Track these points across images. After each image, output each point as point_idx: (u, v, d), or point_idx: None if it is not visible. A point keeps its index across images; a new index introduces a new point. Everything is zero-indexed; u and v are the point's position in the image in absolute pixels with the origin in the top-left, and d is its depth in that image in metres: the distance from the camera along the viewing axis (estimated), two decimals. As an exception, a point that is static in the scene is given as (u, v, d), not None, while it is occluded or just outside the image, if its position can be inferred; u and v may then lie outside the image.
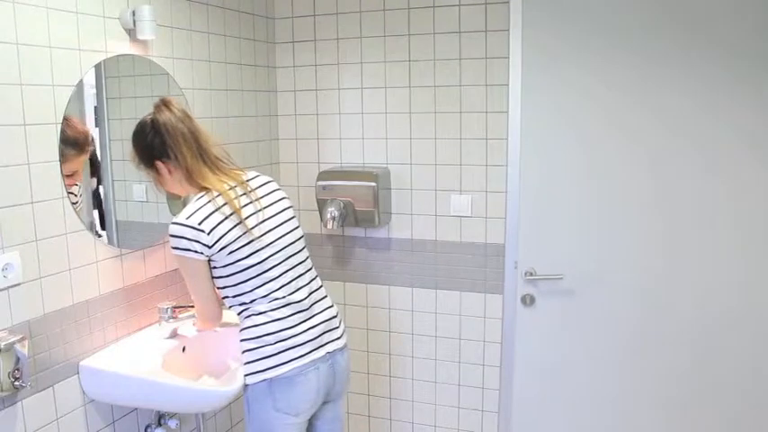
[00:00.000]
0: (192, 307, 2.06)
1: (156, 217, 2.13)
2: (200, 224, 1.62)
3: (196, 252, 1.63)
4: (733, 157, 2.21)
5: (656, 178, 2.29)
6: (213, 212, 1.64)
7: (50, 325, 1.68)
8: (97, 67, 1.80)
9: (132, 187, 2.02)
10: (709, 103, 2.20)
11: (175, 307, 2.04)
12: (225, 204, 1.65)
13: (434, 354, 2.69)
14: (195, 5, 2.22)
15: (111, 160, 1.89)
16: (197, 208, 1.64)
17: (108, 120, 1.88)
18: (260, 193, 1.75)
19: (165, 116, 1.67)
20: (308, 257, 1.82)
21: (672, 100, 2.24)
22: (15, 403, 1.59)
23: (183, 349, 1.97)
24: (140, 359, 1.82)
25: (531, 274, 2.44)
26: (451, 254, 2.58)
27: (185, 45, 2.18)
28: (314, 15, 2.63)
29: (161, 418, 2.07)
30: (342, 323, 1.86)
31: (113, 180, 1.91)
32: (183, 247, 1.63)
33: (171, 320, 2.01)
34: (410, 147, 2.58)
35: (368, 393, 2.83)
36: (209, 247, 1.62)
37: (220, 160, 1.75)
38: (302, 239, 1.81)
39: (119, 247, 1.91)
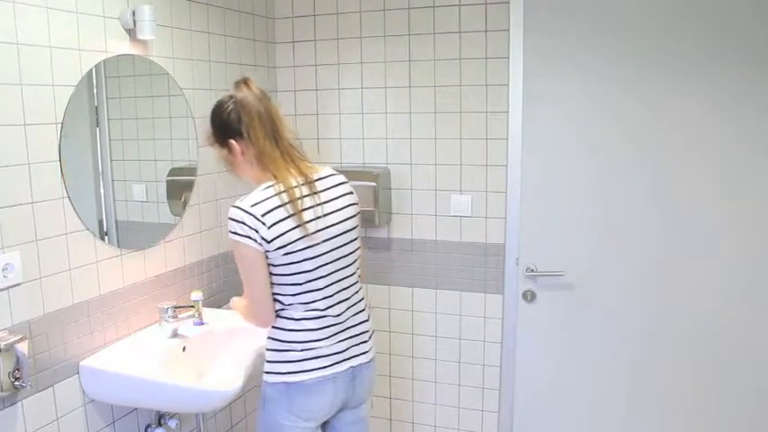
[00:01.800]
0: (192, 307, 2.06)
1: (156, 217, 2.13)
2: (263, 216, 1.55)
3: (254, 241, 1.55)
4: (734, 157, 2.21)
5: (654, 176, 2.30)
6: (278, 207, 1.56)
7: (50, 325, 1.68)
8: (97, 66, 1.80)
9: (132, 187, 2.02)
10: (710, 104, 2.20)
11: (176, 307, 2.04)
12: (290, 202, 1.57)
13: (434, 354, 2.69)
14: (195, 5, 2.22)
15: (111, 160, 1.89)
16: (263, 198, 1.57)
17: (108, 120, 1.88)
18: (325, 196, 1.65)
19: (244, 93, 1.61)
20: (355, 272, 1.74)
21: (671, 101, 2.24)
22: (15, 403, 1.59)
23: (184, 349, 1.97)
24: (140, 359, 1.82)
25: (533, 271, 2.44)
26: (451, 254, 2.58)
27: (185, 45, 2.18)
28: (314, 15, 2.63)
29: (161, 418, 2.07)
30: (372, 338, 1.79)
31: (113, 180, 1.91)
32: (243, 233, 1.55)
33: (171, 320, 2.01)
34: (410, 147, 2.58)
35: (368, 393, 2.83)
36: (268, 242, 1.55)
37: (293, 148, 1.67)
38: (357, 252, 1.73)
39: (119, 247, 1.91)
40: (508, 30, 2.35)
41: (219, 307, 2.37)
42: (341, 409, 1.76)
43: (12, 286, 1.56)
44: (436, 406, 2.73)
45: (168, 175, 2.16)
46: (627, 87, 2.27)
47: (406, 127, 2.57)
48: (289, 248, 1.57)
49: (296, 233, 1.57)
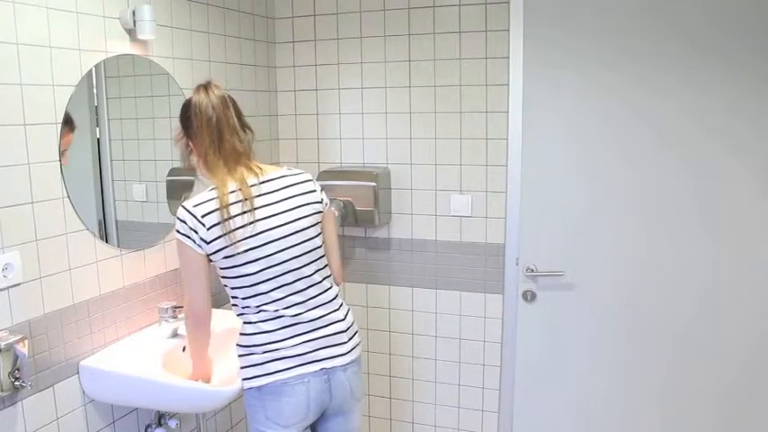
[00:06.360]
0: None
1: (156, 217, 2.13)
2: (203, 217, 1.58)
3: (194, 242, 1.58)
4: (722, 161, 2.22)
5: (654, 177, 2.30)
6: (217, 210, 1.58)
7: (50, 325, 1.68)
8: (97, 66, 1.80)
9: (132, 187, 2.02)
10: (703, 111, 2.21)
11: (176, 307, 2.03)
12: (222, 208, 1.58)
13: (434, 354, 2.69)
14: (195, 5, 2.22)
15: (111, 160, 1.89)
16: (206, 199, 1.60)
17: (108, 120, 1.88)
18: (264, 201, 1.63)
19: (199, 98, 1.63)
20: (317, 270, 1.70)
21: (667, 103, 2.23)
22: (15, 403, 1.59)
23: (184, 349, 1.96)
24: (140, 359, 1.82)
25: (532, 271, 2.44)
26: (451, 254, 2.58)
27: (185, 45, 2.18)
28: (314, 15, 2.63)
29: (161, 418, 2.07)
30: (353, 339, 1.75)
31: (113, 180, 1.91)
32: (184, 232, 1.59)
33: (171, 320, 2.01)
34: (410, 147, 2.58)
35: (368, 393, 2.83)
36: (208, 243, 1.58)
37: (241, 154, 1.65)
38: (313, 252, 1.69)
39: (119, 247, 1.91)
40: (508, 30, 2.35)
41: (219, 307, 2.36)
42: (327, 417, 1.74)
43: (12, 286, 1.56)
44: (436, 406, 2.73)
45: (168, 175, 2.16)
46: (628, 87, 2.27)
47: (406, 127, 2.57)
48: (225, 252, 1.59)
49: (225, 240, 1.58)
